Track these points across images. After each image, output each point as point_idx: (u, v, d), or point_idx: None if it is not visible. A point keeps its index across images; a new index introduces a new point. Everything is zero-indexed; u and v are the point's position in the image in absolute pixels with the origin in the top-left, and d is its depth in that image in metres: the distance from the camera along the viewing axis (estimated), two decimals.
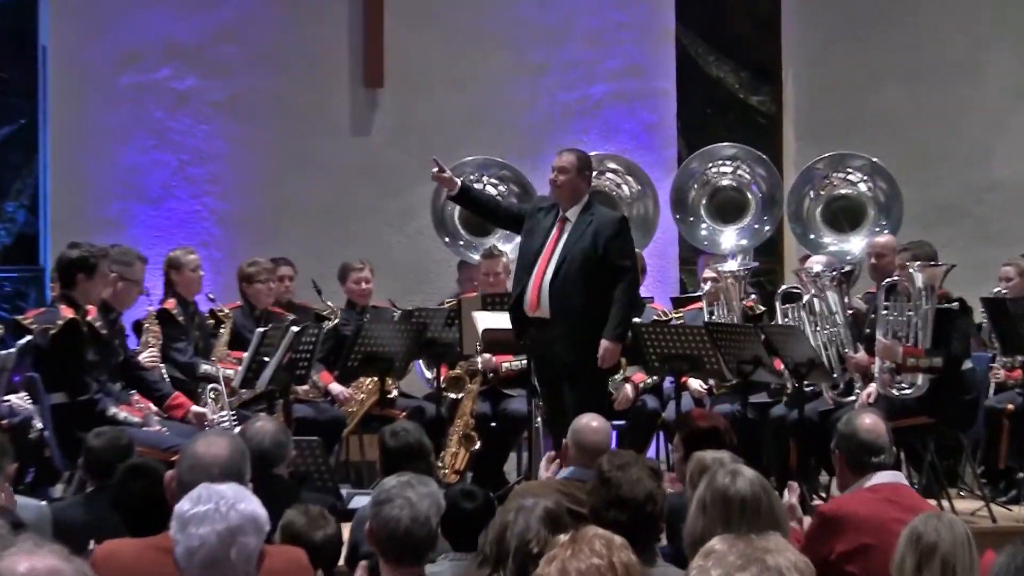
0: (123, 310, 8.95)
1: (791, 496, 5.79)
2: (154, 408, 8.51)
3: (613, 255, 8.28)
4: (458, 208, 11.16)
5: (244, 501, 4.01)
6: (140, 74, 11.80)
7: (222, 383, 8.99)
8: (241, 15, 11.91)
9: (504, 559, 4.13)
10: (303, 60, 12.03)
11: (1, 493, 5.14)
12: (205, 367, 9.08)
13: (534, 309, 8.22)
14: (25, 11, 11.96)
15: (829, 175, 11.32)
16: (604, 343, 8.30)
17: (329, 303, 10.19)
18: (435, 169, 8.57)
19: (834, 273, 9.80)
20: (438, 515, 4.65)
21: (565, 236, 8.26)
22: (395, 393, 9.92)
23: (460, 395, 9.56)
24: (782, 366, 9.22)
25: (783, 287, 10.25)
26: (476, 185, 10.74)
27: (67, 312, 8.31)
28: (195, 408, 8.67)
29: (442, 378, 9.82)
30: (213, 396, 9.00)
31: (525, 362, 9.05)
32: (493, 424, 9.74)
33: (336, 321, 10.00)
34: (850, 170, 11.33)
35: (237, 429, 7.34)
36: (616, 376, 9.32)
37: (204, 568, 3.92)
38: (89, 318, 8.44)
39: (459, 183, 8.51)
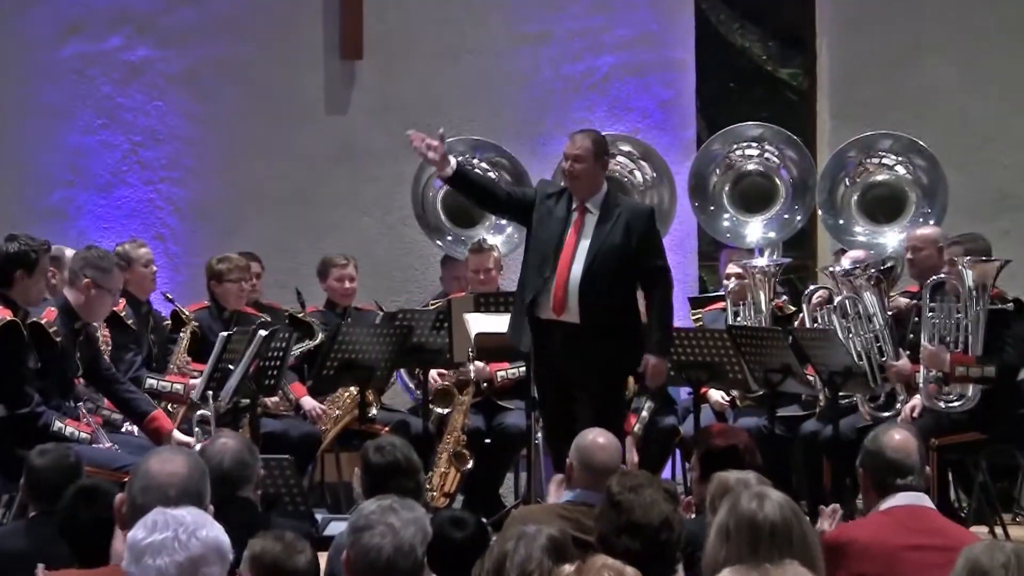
0: (92, 320, 8.87)
1: (828, 521, 5.82)
2: (103, 421, 8.50)
3: (649, 254, 8.35)
4: (441, 195, 11.20)
5: (206, 527, 4.02)
6: (86, 44, 11.81)
7: (211, 409, 8.89)
8: None
9: None
10: (271, 28, 12.01)
11: None
12: (151, 381, 9.00)
13: (560, 312, 8.19)
14: None
15: (863, 160, 11.36)
16: (651, 359, 8.36)
17: (312, 320, 10.18)
18: (420, 144, 8.32)
19: (872, 271, 9.88)
20: (424, 544, 4.61)
21: (591, 230, 8.27)
22: (375, 411, 9.94)
23: (449, 409, 9.59)
24: (815, 375, 9.29)
25: (811, 287, 10.32)
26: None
27: (3, 313, 8.33)
28: (179, 436, 8.60)
29: (430, 389, 9.85)
30: (199, 426, 8.80)
31: (524, 370, 9.07)
32: (487, 440, 9.79)
33: (321, 339, 10.00)
34: (884, 152, 11.39)
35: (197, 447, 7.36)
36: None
37: None
38: (44, 321, 8.48)
39: (454, 163, 8.40)
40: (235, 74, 11.97)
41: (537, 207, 8.41)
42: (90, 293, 8.79)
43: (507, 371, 9.79)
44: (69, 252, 9.34)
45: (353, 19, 11.97)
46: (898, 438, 5.72)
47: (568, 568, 3.66)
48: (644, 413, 9.66)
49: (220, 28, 11.93)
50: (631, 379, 8.99)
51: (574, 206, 8.28)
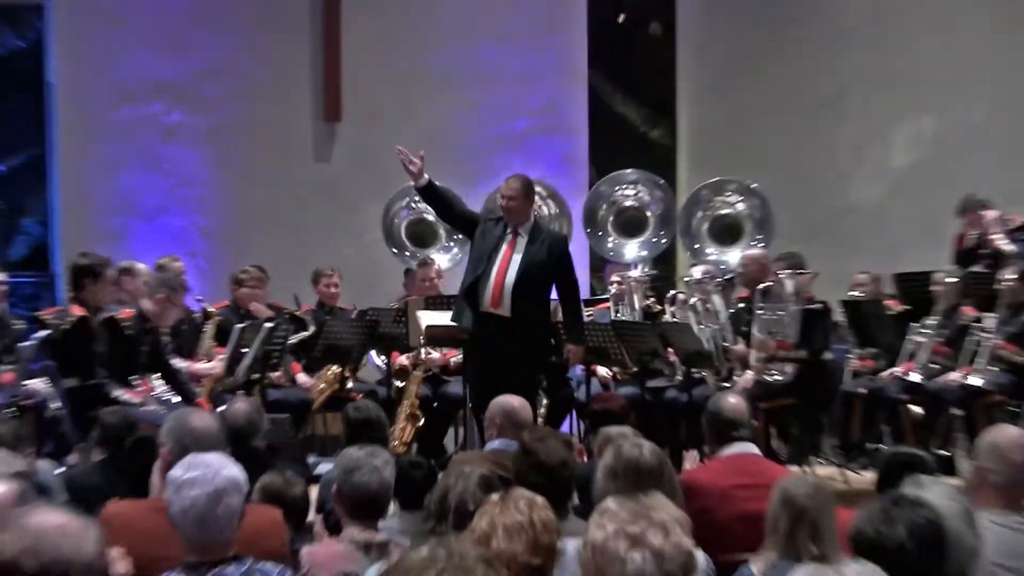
0: (161, 325, 8.79)
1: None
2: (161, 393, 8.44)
3: (567, 272, 8.31)
4: (406, 222, 11.24)
5: (227, 467, 4.05)
6: (134, 109, 11.80)
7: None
8: (219, 57, 11.90)
9: (446, 515, 4.13)
10: (272, 97, 12.02)
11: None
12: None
13: (495, 307, 8.16)
14: (34, 54, 11.94)
15: (712, 199, 11.35)
16: (572, 347, 8.43)
17: (306, 317, 10.08)
18: (405, 157, 8.29)
19: (717, 280, 9.96)
20: (393, 480, 4.72)
21: (521, 248, 8.20)
22: (351, 383, 9.89)
23: (406, 382, 9.56)
24: (675, 357, 9.27)
25: (672, 292, 10.27)
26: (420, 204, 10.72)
27: (78, 311, 8.32)
28: None
29: (392, 367, 9.80)
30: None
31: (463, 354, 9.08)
32: (435, 404, 9.70)
33: (312, 331, 9.89)
34: (730, 193, 11.34)
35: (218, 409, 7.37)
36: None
37: (195, 524, 3.94)
38: (120, 317, 8.43)
39: (426, 177, 8.29)
40: (246, 132, 11.95)
41: (481, 224, 8.36)
42: (163, 305, 8.82)
43: (456, 357, 9.74)
44: (140, 266, 9.35)
45: (334, 91, 12.04)
46: (732, 401, 5.73)
47: (494, 497, 3.63)
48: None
49: (234, 96, 11.93)
50: None
51: (508, 230, 8.23)
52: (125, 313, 8.47)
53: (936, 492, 3.82)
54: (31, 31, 12.04)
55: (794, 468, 8.01)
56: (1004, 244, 10.04)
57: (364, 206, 11.56)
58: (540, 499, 3.63)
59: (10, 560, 2.83)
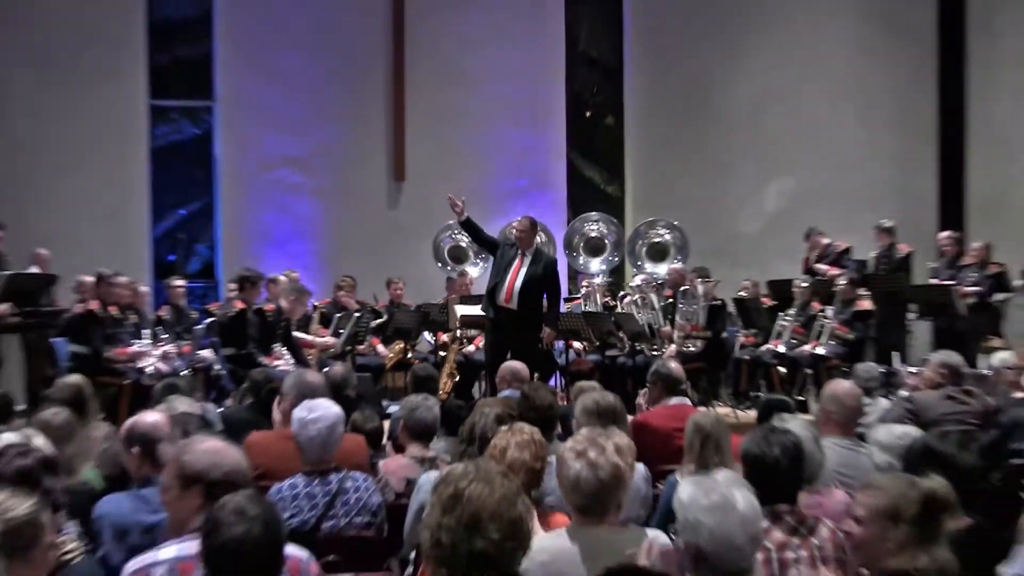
0: (292, 318, 8.90)
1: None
2: (287, 360, 8.42)
3: (552, 282, 8.23)
4: (448, 247, 11.23)
5: (334, 408, 4.08)
6: (271, 173, 11.80)
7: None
8: (324, 139, 11.89)
9: (474, 441, 4.13)
10: (359, 165, 11.99)
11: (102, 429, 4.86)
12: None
13: (507, 303, 8.04)
14: (206, 138, 12.00)
15: (648, 231, 11.26)
16: (548, 330, 8.33)
17: (381, 310, 10.08)
18: (453, 200, 8.10)
19: (653, 284, 9.96)
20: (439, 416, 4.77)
21: (527, 265, 8.11)
22: (411, 353, 9.86)
23: (447, 353, 9.61)
24: (624, 335, 9.30)
25: (622, 292, 10.23)
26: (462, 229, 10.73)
27: (239, 304, 8.32)
28: None
29: (438, 342, 9.85)
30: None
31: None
32: (466, 367, 9.75)
33: (385, 319, 9.88)
34: (660, 227, 11.24)
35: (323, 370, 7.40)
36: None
37: (319, 447, 3.95)
38: (266, 309, 8.43)
39: (466, 215, 8.11)
40: (342, 188, 11.94)
41: (500, 247, 8.28)
42: (295, 305, 8.87)
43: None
44: (281, 277, 9.33)
45: (399, 161, 12.02)
46: (675, 366, 5.72)
47: (504, 428, 3.62)
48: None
49: (334, 165, 11.94)
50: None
51: (518, 252, 8.14)
52: (268, 307, 8.50)
53: (796, 424, 3.82)
54: (203, 123, 12.07)
55: (702, 408, 8.01)
56: (816, 264, 10.38)
57: (420, 237, 11.47)
58: (536, 429, 3.62)
59: (201, 470, 2.82)
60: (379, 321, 9.87)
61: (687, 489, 2.67)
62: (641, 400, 5.98)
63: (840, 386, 4.63)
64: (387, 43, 11.94)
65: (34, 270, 9.14)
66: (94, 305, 8.14)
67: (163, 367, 8.16)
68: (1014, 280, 10.11)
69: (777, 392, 9.03)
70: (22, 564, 2.56)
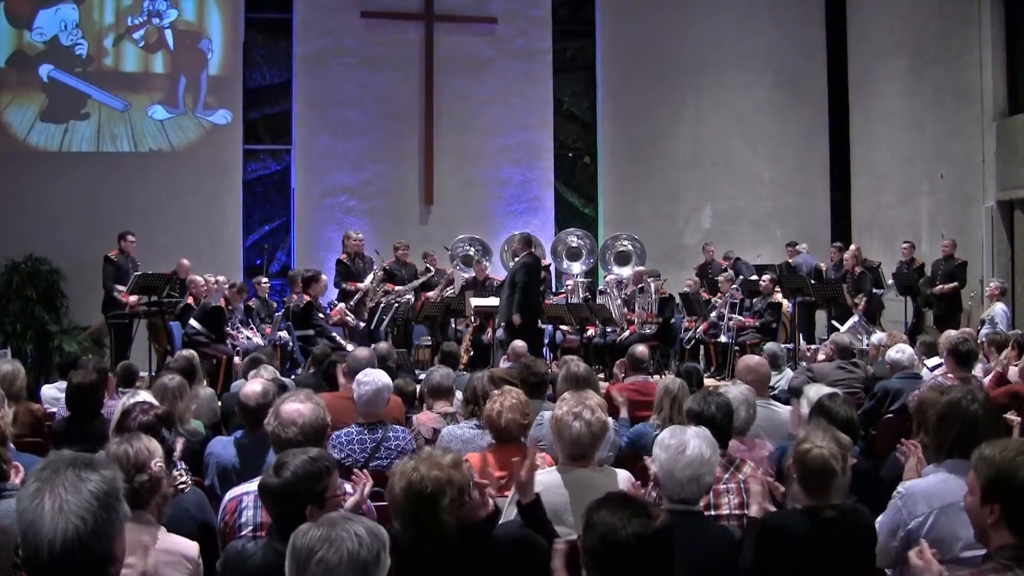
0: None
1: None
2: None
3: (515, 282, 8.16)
4: (460, 256, 10.94)
5: (383, 374, 4.03)
6: (333, 199, 11.62)
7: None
8: (372, 173, 11.72)
9: (475, 400, 4.03)
10: (397, 193, 11.72)
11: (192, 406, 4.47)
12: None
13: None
14: (286, 171, 11.86)
15: (614, 244, 11.23)
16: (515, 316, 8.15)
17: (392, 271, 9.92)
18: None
19: (620, 282, 9.93)
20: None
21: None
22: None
23: (465, 333, 9.55)
24: (598, 320, 9.21)
25: (599, 288, 10.20)
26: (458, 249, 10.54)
27: (307, 297, 8.26)
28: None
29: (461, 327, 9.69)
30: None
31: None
32: (478, 345, 9.65)
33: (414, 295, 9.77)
34: (624, 241, 11.21)
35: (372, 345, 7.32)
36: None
37: (370, 404, 3.87)
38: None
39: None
40: (386, 211, 11.61)
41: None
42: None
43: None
44: (324, 277, 9.19)
45: (429, 188, 11.83)
46: (643, 349, 5.62)
47: (496, 391, 3.54)
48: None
49: (379, 192, 11.67)
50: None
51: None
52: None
53: (737, 391, 3.80)
54: (283, 161, 11.96)
55: (657, 376, 7.99)
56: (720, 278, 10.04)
57: (442, 246, 11.32)
58: (520, 391, 3.55)
59: (289, 421, 2.82)
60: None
61: (665, 432, 2.68)
62: (617, 371, 5.95)
63: (752, 359, 4.62)
64: (420, 101, 11.82)
65: (193, 280, 8.67)
66: (223, 301, 8.14)
67: (253, 343, 8.11)
68: (887, 280, 10.13)
69: (713, 364, 9.17)
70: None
